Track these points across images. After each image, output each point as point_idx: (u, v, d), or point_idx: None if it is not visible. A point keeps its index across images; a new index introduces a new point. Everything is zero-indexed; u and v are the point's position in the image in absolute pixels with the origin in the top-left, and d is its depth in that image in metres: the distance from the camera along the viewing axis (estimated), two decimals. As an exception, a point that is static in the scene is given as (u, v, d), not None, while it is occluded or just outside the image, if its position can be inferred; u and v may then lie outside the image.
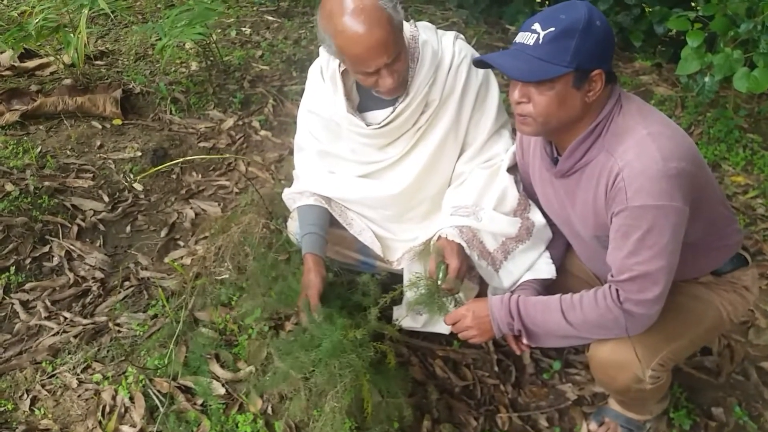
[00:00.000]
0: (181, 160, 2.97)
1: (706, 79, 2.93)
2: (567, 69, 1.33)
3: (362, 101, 1.82)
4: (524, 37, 1.37)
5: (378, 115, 1.80)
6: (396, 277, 1.89)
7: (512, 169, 1.82)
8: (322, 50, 1.82)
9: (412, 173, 1.83)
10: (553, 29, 1.32)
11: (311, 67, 1.91)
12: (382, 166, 1.86)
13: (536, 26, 1.35)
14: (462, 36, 1.84)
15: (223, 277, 2.29)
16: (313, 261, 1.80)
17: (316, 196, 1.93)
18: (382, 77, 1.61)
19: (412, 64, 1.70)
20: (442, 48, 1.76)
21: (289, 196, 2.02)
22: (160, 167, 2.88)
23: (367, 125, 1.79)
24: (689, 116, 3.32)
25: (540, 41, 1.33)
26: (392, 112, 1.75)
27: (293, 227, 2.04)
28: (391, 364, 1.71)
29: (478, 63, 1.48)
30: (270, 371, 1.91)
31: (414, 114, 1.76)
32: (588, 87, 1.37)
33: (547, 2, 4.44)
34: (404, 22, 1.68)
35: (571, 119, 1.42)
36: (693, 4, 3.64)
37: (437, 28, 1.83)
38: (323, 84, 1.83)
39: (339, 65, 1.77)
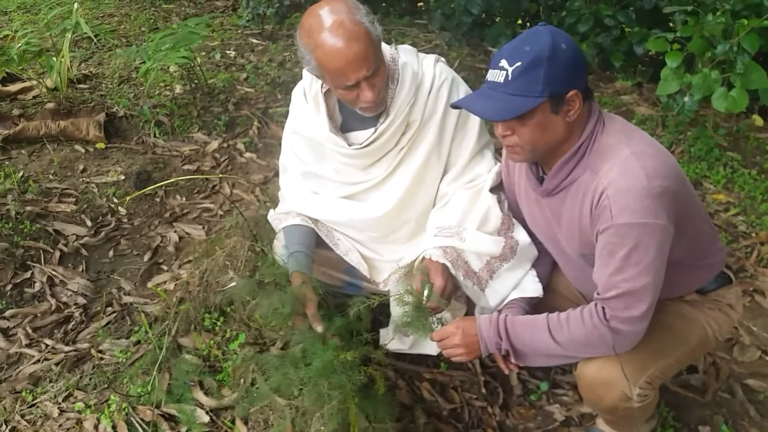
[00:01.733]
0: (165, 182, 2.95)
1: (686, 98, 2.98)
2: (541, 99, 1.34)
3: (345, 122, 1.83)
4: (494, 75, 1.39)
5: (360, 136, 1.81)
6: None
7: (495, 188, 1.83)
8: (305, 72, 1.82)
9: (396, 194, 1.83)
10: (519, 63, 1.34)
11: (295, 89, 1.92)
12: (365, 187, 1.86)
13: (503, 62, 1.37)
14: (443, 59, 1.86)
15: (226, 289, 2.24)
16: (302, 279, 1.78)
17: (302, 216, 1.93)
18: (362, 90, 1.62)
19: (391, 85, 1.72)
20: (422, 70, 1.78)
21: (275, 217, 2.01)
22: (144, 191, 2.86)
23: (350, 145, 1.79)
24: (670, 135, 3.37)
25: (509, 77, 1.35)
26: (374, 132, 1.76)
27: (279, 248, 2.03)
28: (380, 390, 1.69)
29: (454, 107, 1.52)
30: (254, 390, 1.88)
31: (395, 134, 1.77)
32: (567, 108, 1.39)
33: (528, 24, 4.50)
34: (385, 45, 1.70)
35: (558, 141, 1.44)
36: (671, 25, 3.71)
37: (420, 51, 1.85)
38: (306, 105, 1.84)
39: (321, 86, 1.78)
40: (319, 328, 1.69)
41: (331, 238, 1.94)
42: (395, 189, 1.83)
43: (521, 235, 1.78)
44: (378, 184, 1.85)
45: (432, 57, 1.83)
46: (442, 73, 1.80)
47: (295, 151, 1.94)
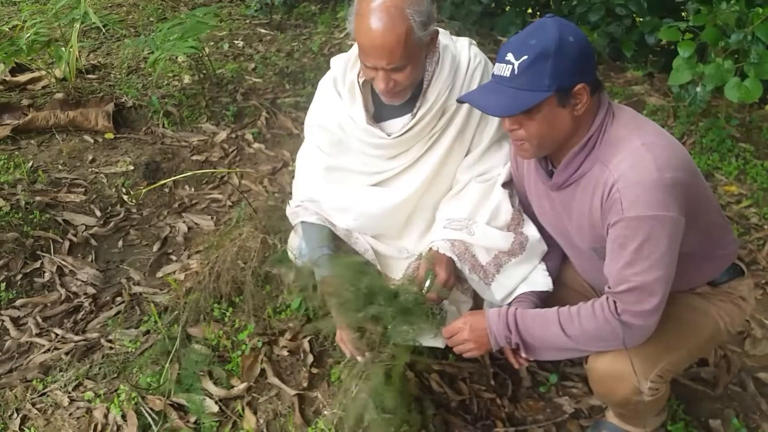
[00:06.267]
0: (174, 177, 2.95)
1: (698, 89, 2.94)
2: (547, 93, 1.33)
3: (377, 111, 1.79)
4: (500, 69, 1.38)
5: (395, 124, 1.77)
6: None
7: (507, 183, 1.80)
8: (333, 62, 1.80)
9: (417, 180, 1.80)
10: (526, 57, 1.33)
11: (322, 80, 1.87)
12: (389, 176, 1.83)
13: (509, 56, 1.35)
14: (474, 42, 1.82)
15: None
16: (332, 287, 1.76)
17: (318, 214, 1.89)
18: (377, 77, 1.60)
19: (429, 68, 1.69)
20: (458, 53, 1.75)
21: (292, 210, 1.97)
22: (156, 184, 2.87)
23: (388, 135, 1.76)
24: (682, 126, 3.33)
25: (515, 71, 1.34)
26: (412, 119, 1.72)
27: (295, 242, 1.99)
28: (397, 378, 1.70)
29: (460, 101, 1.51)
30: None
31: (433, 120, 1.74)
32: (574, 101, 1.37)
33: (538, 13, 4.46)
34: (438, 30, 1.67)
35: (566, 136, 1.42)
36: (684, 14, 3.67)
37: None
38: (337, 97, 1.80)
39: (358, 74, 1.74)
40: (359, 359, 1.68)
41: (350, 237, 1.90)
42: (418, 175, 1.80)
43: (531, 231, 1.76)
44: (401, 172, 1.81)
45: (465, 40, 1.80)
46: (477, 56, 1.76)
47: (319, 144, 1.88)
